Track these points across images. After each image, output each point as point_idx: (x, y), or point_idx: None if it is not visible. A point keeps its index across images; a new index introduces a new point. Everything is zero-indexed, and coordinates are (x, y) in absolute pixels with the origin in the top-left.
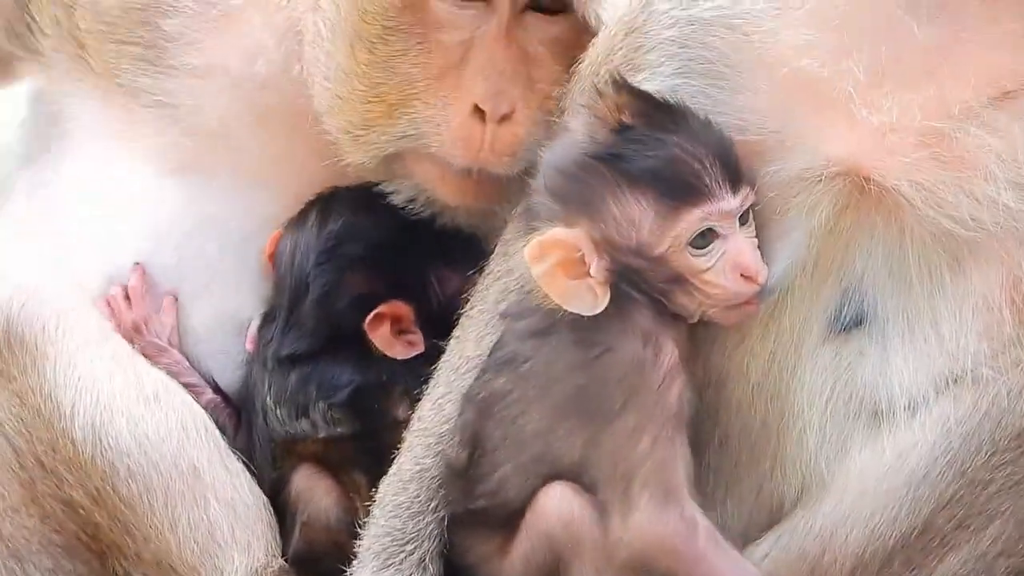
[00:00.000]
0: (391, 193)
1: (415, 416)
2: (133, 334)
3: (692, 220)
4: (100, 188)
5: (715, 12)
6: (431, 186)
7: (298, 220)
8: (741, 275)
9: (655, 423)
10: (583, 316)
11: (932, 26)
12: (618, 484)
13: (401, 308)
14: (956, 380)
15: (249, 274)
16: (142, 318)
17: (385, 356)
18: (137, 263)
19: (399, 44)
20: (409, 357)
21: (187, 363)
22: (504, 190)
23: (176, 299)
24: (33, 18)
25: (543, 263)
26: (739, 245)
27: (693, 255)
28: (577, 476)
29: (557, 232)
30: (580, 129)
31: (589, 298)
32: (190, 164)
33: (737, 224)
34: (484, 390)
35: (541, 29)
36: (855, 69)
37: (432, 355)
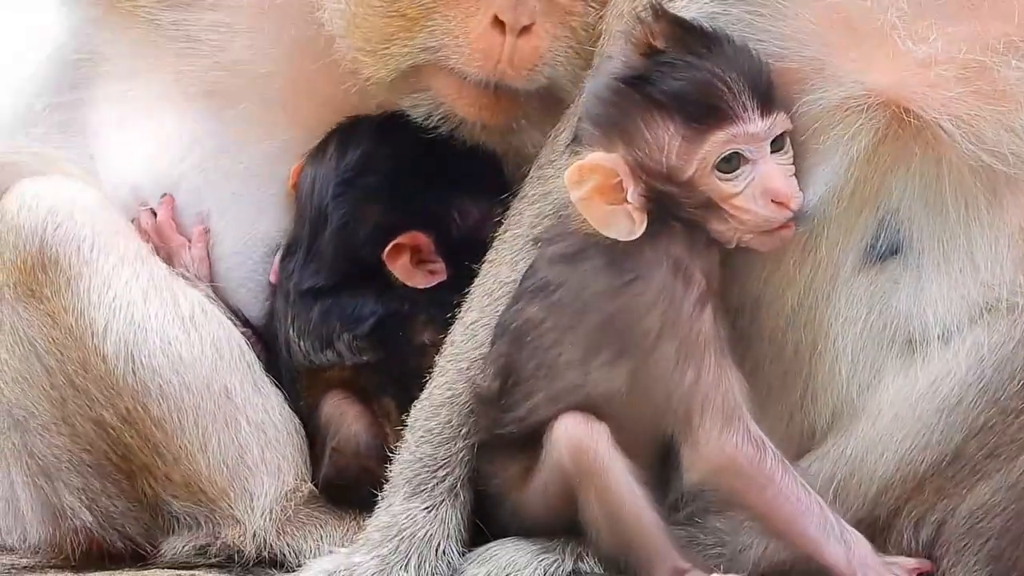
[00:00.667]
0: (411, 108)
1: (447, 340)
2: (166, 261)
3: (716, 142)
4: (127, 114)
5: None
6: (449, 100)
7: (318, 151)
8: (772, 200)
9: (697, 351)
10: (616, 242)
11: None
12: (679, 417)
13: (420, 238)
14: (990, 309)
15: (275, 199)
16: (173, 249)
17: (407, 286)
18: (165, 194)
19: None
20: (431, 286)
21: (214, 295)
22: (523, 106)
23: (207, 229)
24: None
25: (582, 187)
26: (769, 170)
27: (721, 179)
28: (621, 405)
29: (596, 156)
30: (618, 55)
31: (626, 223)
32: (213, 91)
33: (768, 149)
34: (517, 319)
35: None
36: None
37: (456, 283)
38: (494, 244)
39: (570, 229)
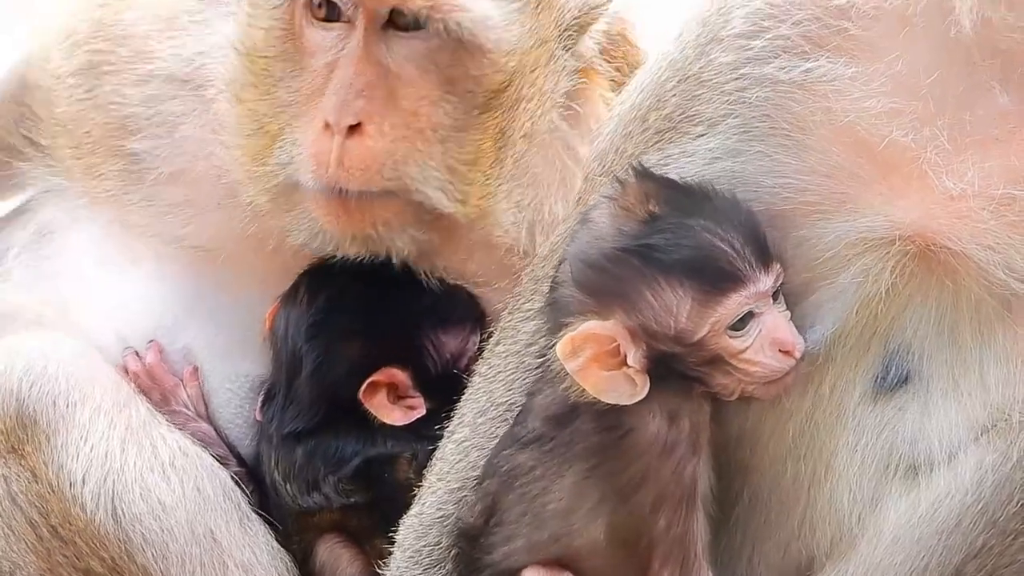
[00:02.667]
0: (294, 232)
1: (437, 456)
2: (162, 405)
3: (732, 305)
4: (103, 261)
5: (790, 73)
6: (315, 214)
7: (290, 294)
8: (780, 350)
9: (673, 501)
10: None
11: (1015, 91)
12: (640, 560)
13: (396, 374)
14: (994, 426)
15: (257, 337)
16: (168, 390)
17: (386, 424)
18: (152, 340)
19: (279, 73)
20: (410, 422)
21: (215, 433)
22: (378, 211)
23: (196, 368)
24: (27, 136)
25: (578, 358)
26: (775, 320)
27: (732, 337)
28: (592, 555)
29: (591, 326)
30: (604, 221)
31: (627, 388)
32: (189, 244)
33: (771, 301)
34: (508, 463)
35: (404, 46)
36: (939, 136)
37: (438, 415)
38: (484, 356)
39: (559, 386)
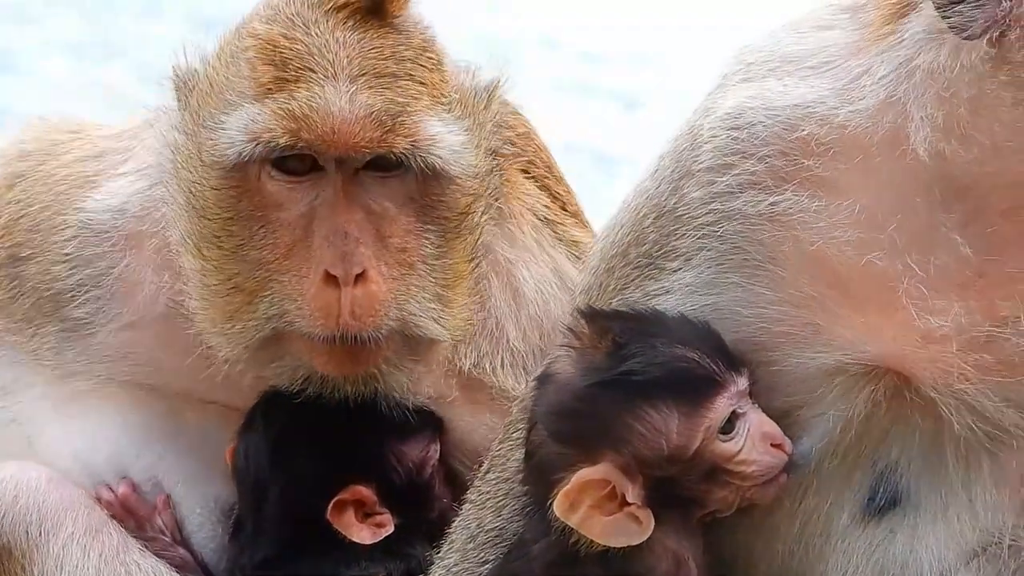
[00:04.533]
0: (276, 378)
1: None
2: (138, 533)
3: (719, 409)
4: (62, 403)
5: (759, 208)
6: (306, 361)
7: (246, 425)
8: (771, 445)
9: None
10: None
11: (974, 237)
12: None
13: (361, 491)
14: (984, 551)
15: (223, 461)
16: (143, 518)
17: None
18: (123, 476)
19: (244, 232)
20: (380, 539)
21: (191, 559)
22: (380, 351)
23: (169, 497)
24: None
25: (578, 511)
26: (760, 417)
27: (724, 441)
28: None
29: (582, 475)
30: (568, 368)
31: (634, 527)
32: (147, 382)
33: (750, 400)
34: None
35: (380, 185)
36: (909, 269)
37: (407, 529)
38: (475, 484)
39: (555, 534)
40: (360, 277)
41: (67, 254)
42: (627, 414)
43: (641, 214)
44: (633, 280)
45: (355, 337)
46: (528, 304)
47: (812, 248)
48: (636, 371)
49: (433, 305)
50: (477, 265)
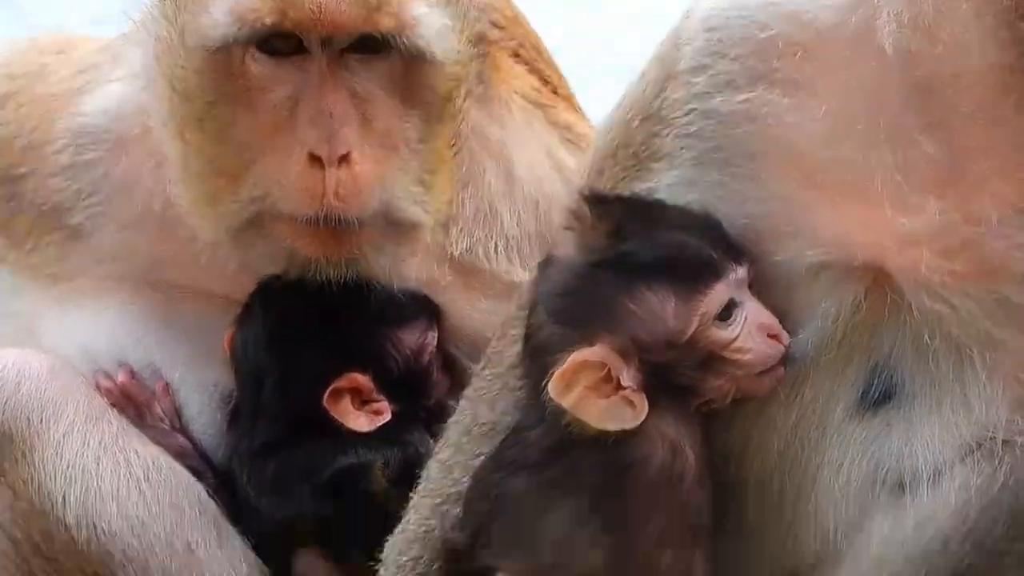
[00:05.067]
0: (260, 260)
1: (423, 476)
2: (137, 421)
3: (716, 295)
4: (63, 298)
5: (734, 106)
6: (291, 243)
7: (244, 313)
8: (768, 335)
9: (677, 535)
10: (602, 432)
11: (941, 139)
12: None
13: (358, 379)
14: (980, 446)
15: (222, 346)
16: (142, 405)
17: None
18: (122, 364)
19: (226, 115)
20: (377, 427)
21: (190, 446)
22: (364, 233)
23: (168, 384)
24: None
25: (572, 392)
26: (758, 307)
27: (720, 328)
28: None
29: (578, 355)
30: (569, 251)
31: (628, 411)
32: (147, 273)
33: (748, 291)
34: (499, 487)
35: (365, 68)
36: (882, 164)
37: (406, 418)
38: (471, 380)
39: (552, 419)
40: (344, 158)
41: (63, 165)
42: (624, 295)
43: (629, 116)
44: (622, 180)
45: (338, 218)
46: (522, 186)
47: (787, 144)
48: (634, 253)
49: (415, 188)
50: (459, 151)
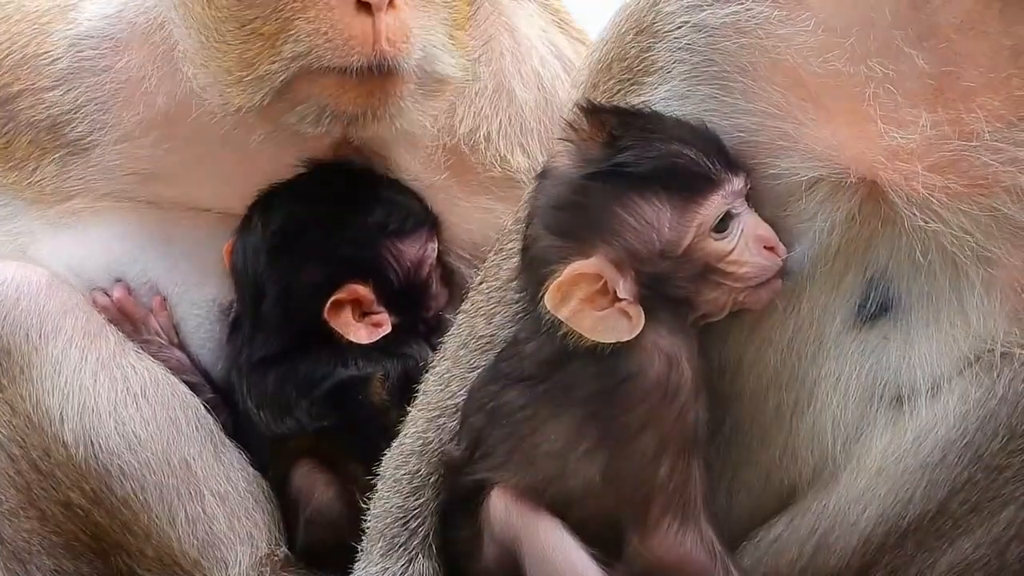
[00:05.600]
0: (297, 124)
1: (420, 390)
2: (134, 336)
3: (712, 206)
4: (51, 226)
5: (723, 18)
6: (333, 100)
7: (244, 224)
8: (764, 247)
9: (675, 446)
10: (598, 343)
11: (929, 52)
12: (638, 506)
13: (359, 290)
14: (978, 360)
15: (219, 261)
16: (138, 321)
17: (355, 343)
18: (119, 280)
19: None
20: (377, 339)
21: (188, 361)
22: (404, 85)
23: (165, 299)
24: None
25: (568, 303)
26: (755, 219)
27: (716, 239)
28: (585, 497)
29: (574, 267)
30: (566, 161)
31: (623, 323)
32: (144, 182)
33: (746, 203)
34: (495, 400)
35: None
36: (873, 74)
37: (406, 331)
38: (469, 295)
39: (548, 331)
40: (391, 3)
41: (60, 74)
42: (619, 206)
43: (623, 30)
44: (617, 94)
45: (386, 65)
46: (528, 61)
47: (778, 56)
48: (629, 163)
49: (448, 41)
50: (476, 11)
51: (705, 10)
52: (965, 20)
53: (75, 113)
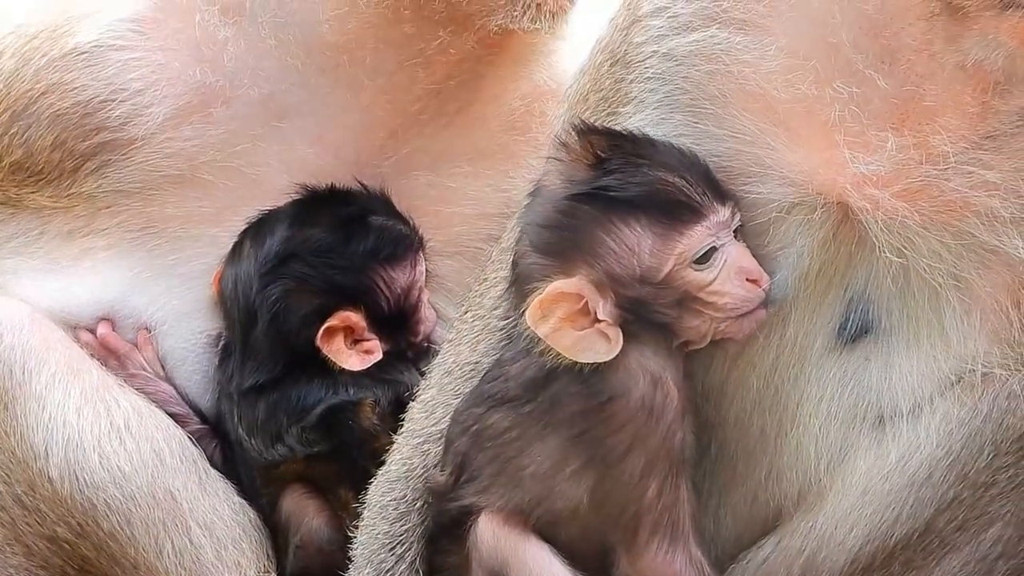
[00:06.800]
0: None
1: (407, 418)
2: (119, 370)
3: (695, 237)
4: (48, 249)
5: (689, 47)
6: None
7: (234, 252)
8: (747, 279)
9: (661, 467)
10: (584, 364)
11: (890, 73)
12: (626, 528)
13: (351, 317)
14: (960, 380)
15: (206, 293)
16: (123, 355)
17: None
18: (104, 319)
19: None
20: (368, 366)
21: (174, 392)
22: None
23: (149, 331)
24: None
25: (548, 321)
26: (739, 251)
27: (697, 270)
28: (573, 519)
29: (556, 285)
30: (554, 181)
31: (602, 344)
32: (143, 227)
33: (731, 234)
34: (479, 423)
35: None
36: (838, 98)
37: (396, 358)
38: (453, 324)
39: (533, 353)
40: None
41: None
42: (601, 229)
43: (598, 61)
44: None
45: None
46: None
47: (744, 83)
48: (612, 187)
49: None
50: None
51: (672, 39)
52: (920, 41)
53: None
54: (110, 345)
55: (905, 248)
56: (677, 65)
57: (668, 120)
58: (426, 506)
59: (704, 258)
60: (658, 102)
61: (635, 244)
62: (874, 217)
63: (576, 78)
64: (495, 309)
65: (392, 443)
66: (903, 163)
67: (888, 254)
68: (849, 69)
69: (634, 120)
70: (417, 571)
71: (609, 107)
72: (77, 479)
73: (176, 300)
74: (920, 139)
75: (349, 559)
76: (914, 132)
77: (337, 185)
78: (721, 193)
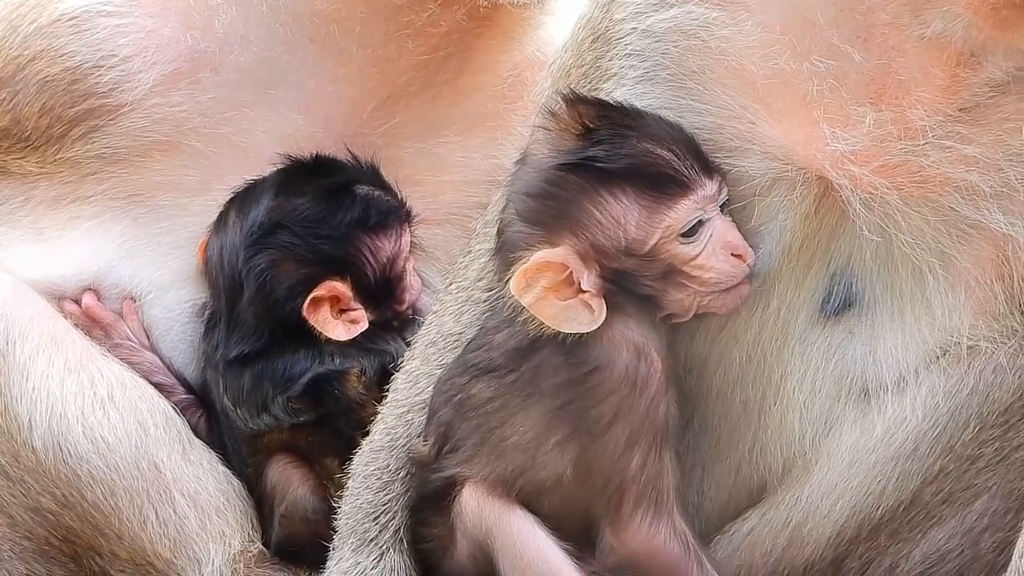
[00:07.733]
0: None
1: (391, 388)
2: (104, 341)
3: (681, 211)
4: (38, 217)
5: (667, 22)
6: None
7: (219, 222)
8: (732, 254)
9: (645, 438)
10: (568, 334)
11: (864, 48)
12: (610, 499)
13: (337, 287)
14: (946, 353)
15: (191, 263)
16: (107, 326)
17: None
18: (88, 289)
19: None
20: (355, 336)
21: (159, 362)
22: None
23: (134, 300)
24: None
25: (532, 290)
26: (724, 225)
27: (683, 243)
28: (556, 489)
29: (541, 255)
30: (542, 150)
31: (585, 315)
32: (128, 195)
33: (718, 208)
34: (462, 392)
35: None
36: (816, 74)
37: (382, 329)
38: (437, 296)
39: (517, 320)
40: None
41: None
42: (587, 199)
43: (580, 37)
44: None
45: None
46: None
47: (723, 58)
48: (599, 157)
49: None
50: None
51: (651, 16)
52: (891, 14)
53: (95, 63)
54: (95, 315)
55: (886, 225)
56: (656, 41)
57: (648, 96)
58: (410, 476)
59: (690, 232)
60: (638, 78)
61: (621, 216)
62: (853, 192)
63: (559, 54)
64: (479, 280)
65: (377, 412)
66: (882, 139)
67: (868, 232)
68: (826, 44)
69: (615, 96)
70: (401, 540)
71: (590, 83)
72: (61, 450)
73: (161, 270)
74: (898, 113)
75: (334, 529)
76: (891, 106)
77: (322, 154)
78: (709, 167)
